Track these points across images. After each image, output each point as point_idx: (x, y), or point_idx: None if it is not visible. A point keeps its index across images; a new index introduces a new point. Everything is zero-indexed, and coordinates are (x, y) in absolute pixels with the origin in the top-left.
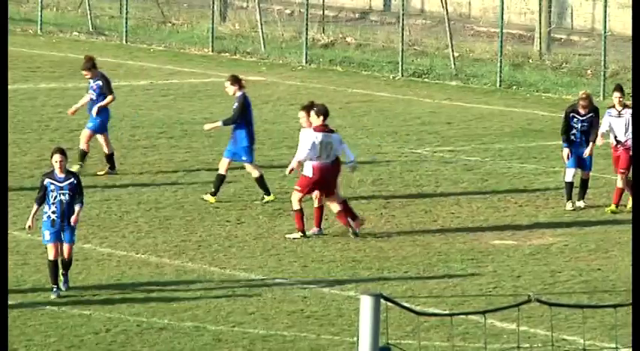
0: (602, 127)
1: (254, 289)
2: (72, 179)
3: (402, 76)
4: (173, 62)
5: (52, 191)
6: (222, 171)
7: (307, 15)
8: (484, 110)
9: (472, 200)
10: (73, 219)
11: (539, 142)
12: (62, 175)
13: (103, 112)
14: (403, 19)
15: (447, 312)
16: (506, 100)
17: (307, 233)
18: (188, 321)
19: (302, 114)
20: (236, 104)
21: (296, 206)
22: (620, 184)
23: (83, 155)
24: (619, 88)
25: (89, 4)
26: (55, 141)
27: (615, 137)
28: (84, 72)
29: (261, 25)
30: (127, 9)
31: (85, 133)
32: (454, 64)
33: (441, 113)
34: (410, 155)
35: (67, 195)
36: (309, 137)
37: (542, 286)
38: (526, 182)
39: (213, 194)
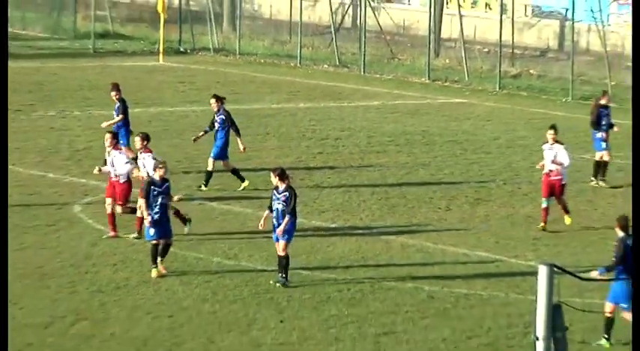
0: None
1: (458, 257)
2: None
3: (572, 99)
4: (399, 88)
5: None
6: (210, 168)
7: (501, 52)
8: None
9: None
10: (279, 230)
11: None
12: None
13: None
14: (573, 56)
15: (605, 278)
16: None
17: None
18: (409, 282)
19: (137, 138)
20: (223, 117)
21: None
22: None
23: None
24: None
25: (336, 44)
26: (310, 147)
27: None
28: (112, 93)
29: (466, 60)
30: (364, 48)
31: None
32: (611, 90)
33: None
34: (579, 160)
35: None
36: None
37: None
38: None
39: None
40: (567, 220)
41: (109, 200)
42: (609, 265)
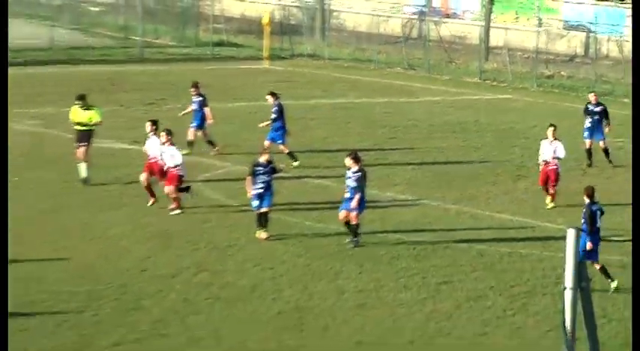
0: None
1: (502, 222)
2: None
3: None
4: (456, 86)
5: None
6: (286, 151)
7: (537, 57)
8: None
9: None
10: (353, 204)
11: None
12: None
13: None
14: (596, 61)
15: (622, 239)
16: None
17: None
18: (463, 242)
19: (148, 124)
20: (276, 108)
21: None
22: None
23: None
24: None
25: (405, 51)
26: (384, 133)
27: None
28: (191, 89)
29: (510, 64)
30: (428, 54)
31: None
32: (625, 89)
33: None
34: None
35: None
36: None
37: None
38: None
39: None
40: (549, 204)
41: (144, 176)
42: (589, 230)
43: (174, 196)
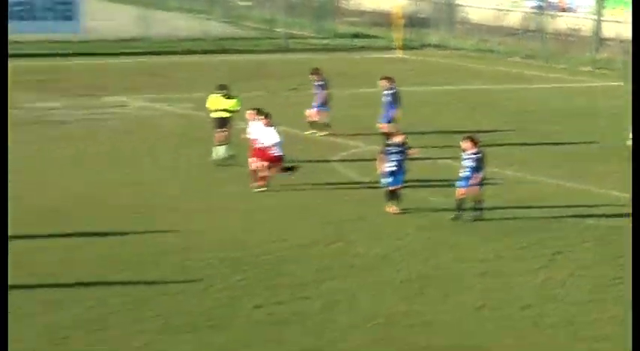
0: None
1: (611, 199)
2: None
3: None
4: (571, 75)
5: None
6: (385, 131)
7: None
8: None
9: None
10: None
11: None
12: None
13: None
14: None
15: None
16: None
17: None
18: (573, 217)
19: (252, 112)
20: (394, 91)
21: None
22: None
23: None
24: None
25: (523, 42)
26: (504, 118)
27: None
28: (313, 76)
29: (620, 54)
30: (545, 44)
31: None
32: None
33: None
34: None
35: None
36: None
37: None
38: None
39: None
40: None
41: (252, 160)
42: None
43: (265, 174)
